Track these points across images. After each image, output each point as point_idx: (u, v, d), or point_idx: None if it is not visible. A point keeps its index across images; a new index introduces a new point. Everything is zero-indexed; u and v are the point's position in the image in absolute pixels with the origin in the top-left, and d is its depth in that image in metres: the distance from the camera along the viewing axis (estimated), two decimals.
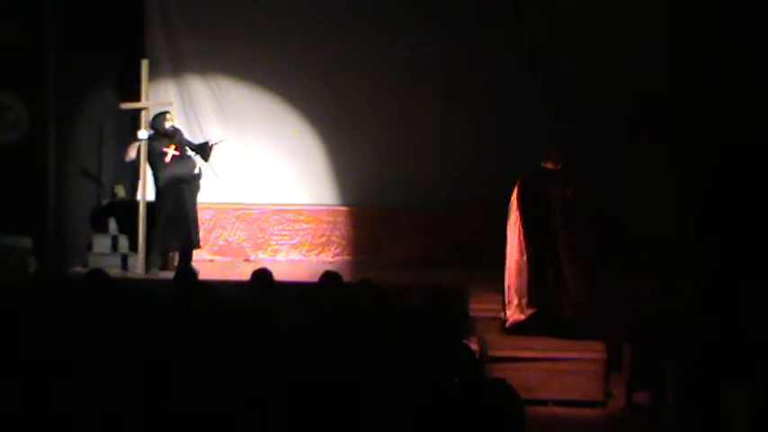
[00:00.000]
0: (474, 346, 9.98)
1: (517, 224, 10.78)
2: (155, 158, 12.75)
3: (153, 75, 14.14)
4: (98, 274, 8.92)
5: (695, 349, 8.88)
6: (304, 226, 14.18)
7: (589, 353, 10.28)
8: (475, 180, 13.65)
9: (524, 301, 10.67)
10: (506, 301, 10.79)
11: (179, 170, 12.73)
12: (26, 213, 12.03)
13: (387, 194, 14.11)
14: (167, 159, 12.70)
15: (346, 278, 9.41)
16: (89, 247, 13.28)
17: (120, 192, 14.04)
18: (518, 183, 10.87)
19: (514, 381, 8.22)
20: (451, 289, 10.76)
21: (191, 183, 12.77)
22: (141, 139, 12.70)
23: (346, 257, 14.12)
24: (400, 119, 14.23)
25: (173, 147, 12.76)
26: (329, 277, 9.02)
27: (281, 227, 14.12)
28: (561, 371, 10.18)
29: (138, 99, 13.05)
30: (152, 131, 12.84)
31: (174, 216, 12.67)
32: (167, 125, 12.82)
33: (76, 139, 12.95)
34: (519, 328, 10.67)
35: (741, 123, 13.12)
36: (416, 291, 9.94)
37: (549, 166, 10.95)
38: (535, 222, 10.78)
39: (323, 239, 14.19)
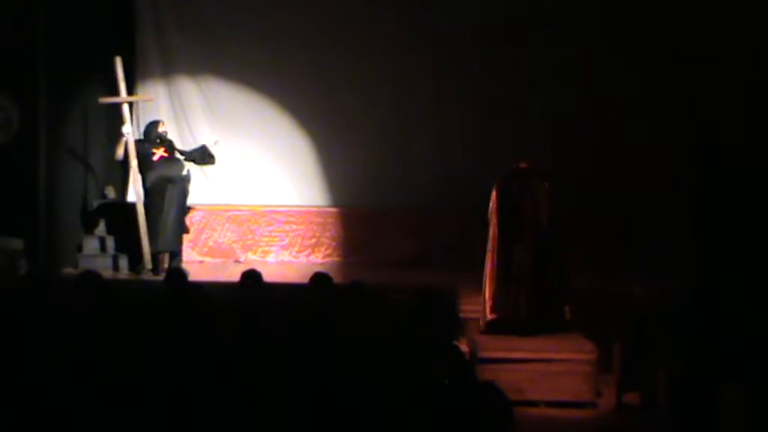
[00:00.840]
0: (464, 348, 10.02)
1: (493, 230, 10.88)
2: (142, 160, 12.75)
3: (143, 74, 14.20)
4: (90, 274, 8.91)
5: (686, 350, 8.90)
6: (294, 227, 14.18)
7: (579, 354, 10.31)
8: (466, 181, 13.64)
9: (490, 304, 10.78)
10: (484, 306, 10.89)
11: (166, 171, 12.74)
12: (17, 214, 12.01)
13: (377, 195, 14.12)
14: (155, 158, 12.71)
15: (336, 279, 9.40)
16: (79, 248, 13.26)
17: (111, 192, 14.03)
18: (495, 186, 10.93)
19: (504, 382, 8.26)
20: (442, 290, 10.76)
21: (177, 184, 12.76)
22: (126, 134, 12.68)
23: (336, 258, 14.12)
24: (390, 119, 14.24)
25: (162, 149, 12.77)
26: (319, 278, 9.02)
27: (270, 228, 14.11)
28: (551, 372, 10.20)
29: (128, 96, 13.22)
30: (143, 137, 12.85)
31: (160, 217, 12.66)
32: (159, 130, 12.88)
33: (67, 139, 12.95)
34: (490, 330, 10.79)
35: (740, 123, 13.14)
36: (406, 292, 9.95)
37: (523, 165, 11.04)
38: (510, 227, 10.85)
39: (313, 241, 14.18)
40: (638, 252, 13.15)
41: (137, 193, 12.76)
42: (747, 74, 13.32)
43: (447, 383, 6.88)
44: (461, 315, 11.12)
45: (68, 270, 12.73)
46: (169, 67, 14.28)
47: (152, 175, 12.70)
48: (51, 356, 6.94)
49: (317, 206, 14.35)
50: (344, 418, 6.36)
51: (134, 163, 12.71)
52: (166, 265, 12.65)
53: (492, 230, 10.90)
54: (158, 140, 12.87)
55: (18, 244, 11.93)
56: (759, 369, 8.50)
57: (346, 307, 8.40)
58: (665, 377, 9.29)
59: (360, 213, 14.18)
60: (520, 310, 10.76)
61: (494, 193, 10.89)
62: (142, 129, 14.00)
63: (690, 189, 13.42)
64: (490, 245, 10.88)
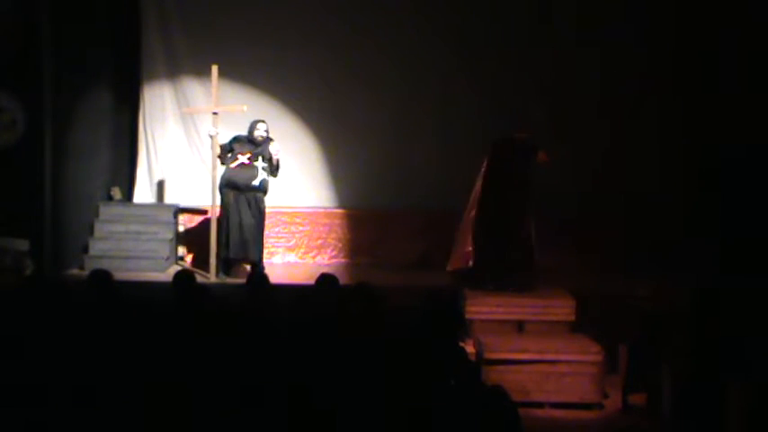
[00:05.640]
0: (470, 349, 10.04)
1: (479, 183, 12.03)
2: (225, 158, 12.68)
3: (149, 75, 14.19)
4: (101, 274, 8.92)
5: (692, 350, 8.90)
6: (300, 228, 14.17)
7: (585, 355, 10.32)
8: (471, 183, 13.62)
9: (468, 249, 11.97)
10: (453, 250, 12.21)
11: (236, 177, 12.56)
12: (22, 215, 12.01)
13: (383, 196, 14.11)
14: (233, 165, 12.59)
15: (343, 280, 9.40)
16: (85, 249, 13.26)
17: (117, 194, 14.02)
18: (491, 147, 12.03)
19: (510, 383, 8.28)
20: (447, 291, 10.77)
21: (245, 192, 12.60)
22: (210, 136, 12.67)
23: (343, 260, 14.11)
24: (397, 121, 14.22)
25: (248, 154, 12.60)
26: (326, 279, 9.03)
27: (277, 229, 14.09)
28: (557, 373, 10.21)
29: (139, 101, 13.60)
30: (245, 134, 12.70)
31: (224, 224, 12.61)
32: (256, 134, 12.63)
33: (73, 140, 12.93)
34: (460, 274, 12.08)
35: (741, 123, 13.14)
36: (413, 293, 9.95)
37: (518, 136, 12.04)
38: (494, 189, 11.94)
39: (319, 242, 14.17)
40: (642, 253, 13.15)
41: (213, 198, 12.65)
42: (750, 73, 13.33)
43: (452, 384, 6.88)
44: (467, 316, 11.12)
45: (74, 271, 12.73)
46: (175, 69, 14.27)
47: (223, 177, 12.63)
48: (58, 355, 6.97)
49: (324, 207, 14.35)
50: (349, 419, 6.36)
51: (214, 172, 12.62)
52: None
53: (477, 187, 12.04)
54: (252, 143, 12.62)
55: (24, 245, 11.94)
56: (764, 369, 8.50)
57: (352, 308, 8.40)
58: (670, 378, 9.29)
59: (366, 215, 14.17)
60: (492, 265, 11.88)
61: (488, 155, 12.03)
62: (151, 127, 14.12)
63: (694, 188, 13.43)
64: (474, 197, 12.07)
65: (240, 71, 14.13)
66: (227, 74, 13.88)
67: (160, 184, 14.32)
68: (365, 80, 14.18)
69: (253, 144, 12.66)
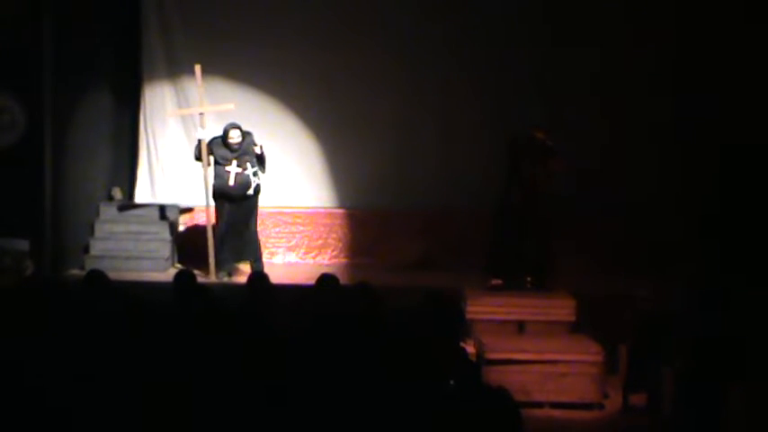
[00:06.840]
0: (470, 349, 10.04)
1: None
2: (216, 165, 12.55)
3: (149, 76, 14.19)
4: (97, 274, 8.92)
5: (692, 350, 8.90)
6: (301, 228, 14.17)
7: (586, 355, 10.32)
8: (472, 182, 13.66)
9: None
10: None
11: (230, 190, 12.46)
12: (23, 216, 12.02)
13: (384, 197, 14.11)
14: (231, 182, 12.40)
15: (343, 281, 9.41)
16: (86, 249, 13.26)
17: (117, 194, 14.02)
18: (508, 144, 12.06)
19: (511, 383, 8.27)
20: (448, 291, 10.77)
21: (236, 201, 12.49)
22: (200, 139, 12.59)
23: (343, 260, 14.11)
24: (397, 121, 14.22)
25: (235, 163, 12.43)
26: (326, 279, 9.03)
27: (277, 229, 14.10)
28: (558, 373, 10.21)
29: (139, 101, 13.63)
30: (219, 137, 12.54)
31: (218, 228, 12.60)
32: (230, 141, 12.40)
33: (73, 140, 12.94)
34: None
35: (743, 123, 13.14)
36: (413, 293, 9.95)
37: (539, 135, 11.94)
38: (510, 186, 11.98)
39: (320, 242, 14.18)
40: (642, 253, 13.15)
41: (207, 200, 12.59)
42: (752, 74, 13.35)
43: (452, 384, 6.88)
44: (467, 316, 11.12)
45: (74, 271, 12.73)
46: (175, 69, 14.27)
47: (213, 188, 12.54)
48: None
49: (325, 207, 14.34)
50: (349, 420, 6.37)
51: (205, 171, 12.59)
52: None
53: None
54: (230, 149, 12.44)
55: (24, 245, 11.94)
56: (764, 369, 8.51)
57: (353, 308, 8.40)
58: (671, 378, 9.29)
59: (367, 215, 14.17)
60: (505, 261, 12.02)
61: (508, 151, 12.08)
62: (152, 127, 14.13)
63: (694, 188, 13.42)
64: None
65: (240, 71, 14.15)
66: (226, 74, 13.93)
67: (160, 184, 14.32)
68: (365, 80, 14.18)
69: (229, 150, 12.47)
